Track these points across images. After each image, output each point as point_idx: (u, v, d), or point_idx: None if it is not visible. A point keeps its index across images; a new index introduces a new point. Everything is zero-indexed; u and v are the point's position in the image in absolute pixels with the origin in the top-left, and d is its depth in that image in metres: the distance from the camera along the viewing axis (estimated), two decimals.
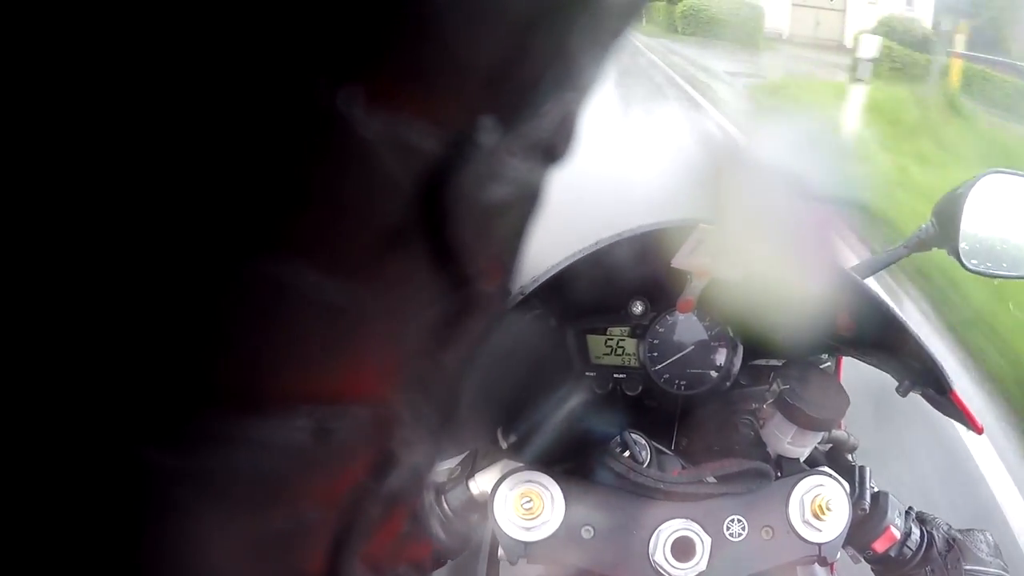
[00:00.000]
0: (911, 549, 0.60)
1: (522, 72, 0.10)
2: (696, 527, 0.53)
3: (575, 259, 0.51)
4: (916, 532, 0.60)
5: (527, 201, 0.12)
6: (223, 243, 0.09)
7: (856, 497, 0.59)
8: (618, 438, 0.55)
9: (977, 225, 0.68)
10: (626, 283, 0.61)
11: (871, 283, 0.59)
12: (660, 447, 0.58)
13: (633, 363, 0.66)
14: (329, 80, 0.09)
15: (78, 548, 0.10)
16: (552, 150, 0.12)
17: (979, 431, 0.56)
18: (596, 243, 0.52)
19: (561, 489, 0.53)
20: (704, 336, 0.66)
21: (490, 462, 0.57)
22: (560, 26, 0.10)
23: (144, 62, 0.08)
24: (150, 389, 0.09)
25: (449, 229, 0.11)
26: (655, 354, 0.65)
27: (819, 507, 0.55)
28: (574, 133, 0.12)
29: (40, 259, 0.08)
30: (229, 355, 0.10)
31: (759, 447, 0.60)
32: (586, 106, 0.12)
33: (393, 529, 0.14)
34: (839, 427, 0.66)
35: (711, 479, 0.55)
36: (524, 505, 0.52)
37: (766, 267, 0.56)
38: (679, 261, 0.55)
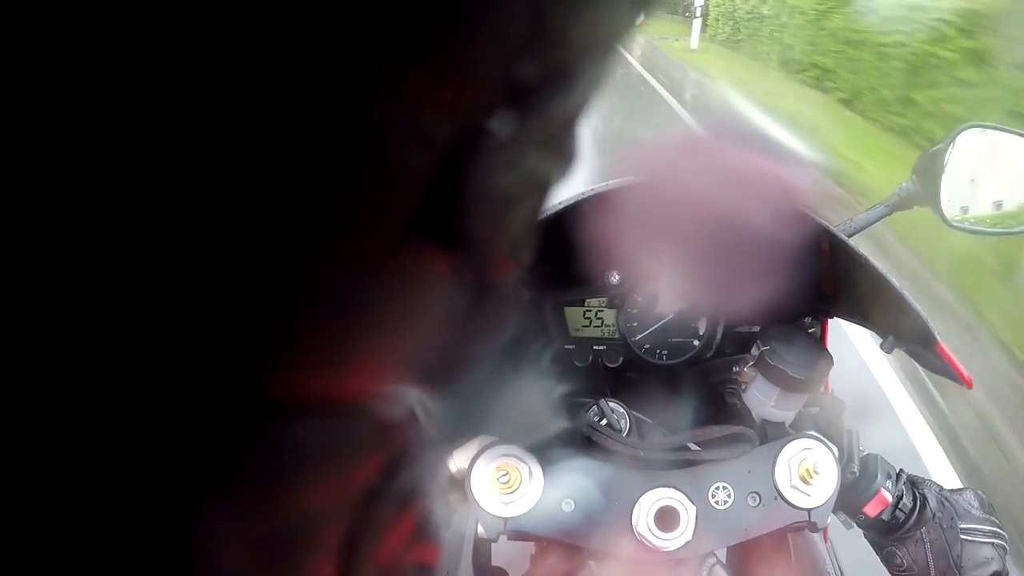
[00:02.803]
0: (904, 512, 0.58)
1: (535, 66, 0.10)
2: (680, 496, 0.52)
3: None
4: (908, 495, 0.59)
5: (538, 193, 0.13)
6: (235, 238, 0.09)
7: (845, 460, 0.57)
8: (596, 407, 0.53)
9: (958, 181, 0.67)
10: (598, 252, 0.60)
11: (854, 241, 0.58)
12: (641, 416, 0.56)
13: (613, 334, 0.65)
14: (344, 72, 0.09)
15: (85, 547, 0.09)
16: (562, 144, 0.12)
17: (968, 384, 0.55)
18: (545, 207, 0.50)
19: (539, 462, 0.51)
20: (684, 304, 0.65)
21: (468, 438, 0.56)
22: (571, 24, 0.11)
23: (150, 60, 0.08)
24: (158, 389, 0.09)
25: (463, 220, 0.11)
26: (634, 324, 0.64)
27: (807, 471, 0.54)
28: (582, 127, 0.13)
29: (31, 259, 0.08)
30: (238, 353, 0.10)
31: (744, 414, 0.59)
32: (594, 102, 0.12)
33: (403, 531, 0.14)
34: (826, 390, 0.64)
35: (693, 446, 0.54)
36: (501, 479, 0.50)
37: (741, 228, 0.54)
38: (638, 223, 0.54)
